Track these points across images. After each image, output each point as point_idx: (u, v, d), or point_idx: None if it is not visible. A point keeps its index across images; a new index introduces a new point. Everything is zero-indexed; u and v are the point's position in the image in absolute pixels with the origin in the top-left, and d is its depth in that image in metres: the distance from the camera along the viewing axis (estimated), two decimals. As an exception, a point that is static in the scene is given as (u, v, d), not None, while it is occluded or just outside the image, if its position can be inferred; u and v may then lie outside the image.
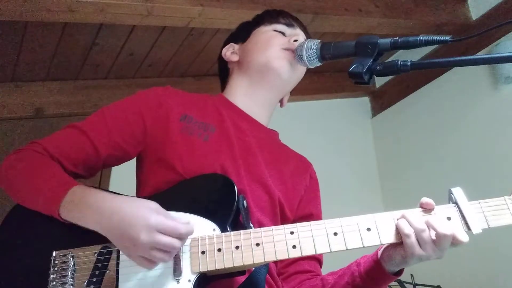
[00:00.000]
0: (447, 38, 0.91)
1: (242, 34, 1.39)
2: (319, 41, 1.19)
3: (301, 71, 1.33)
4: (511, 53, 0.87)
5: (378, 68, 0.97)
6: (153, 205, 0.95)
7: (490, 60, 0.98)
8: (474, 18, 3.05)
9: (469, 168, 2.85)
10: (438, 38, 0.92)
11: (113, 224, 0.93)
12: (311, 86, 3.42)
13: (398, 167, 3.45)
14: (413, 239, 0.93)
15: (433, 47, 3.05)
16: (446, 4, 3.01)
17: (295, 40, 1.27)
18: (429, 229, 0.94)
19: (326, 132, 3.48)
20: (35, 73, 2.65)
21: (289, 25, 1.34)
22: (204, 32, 2.64)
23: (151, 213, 0.92)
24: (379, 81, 3.74)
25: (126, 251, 0.94)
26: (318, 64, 1.19)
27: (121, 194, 1.07)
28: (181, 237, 0.93)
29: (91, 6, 2.07)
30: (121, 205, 0.95)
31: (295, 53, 1.22)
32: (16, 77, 2.63)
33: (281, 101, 1.40)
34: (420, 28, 2.96)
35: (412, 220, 0.94)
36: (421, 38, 0.94)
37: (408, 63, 0.94)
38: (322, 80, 3.46)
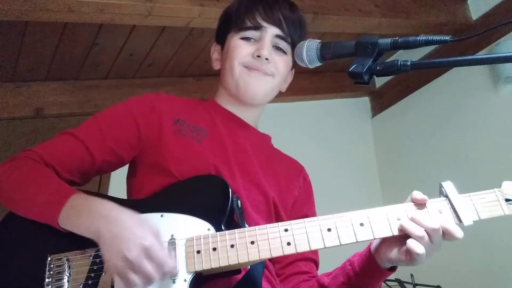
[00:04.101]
0: (447, 38, 0.91)
1: (220, 34, 1.36)
2: (319, 41, 1.19)
3: (281, 73, 1.29)
4: (511, 53, 0.87)
5: (378, 68, 0.97)
6: (154, 229, 0.93)
7: (490, 60, 0.98)
8: (474, 18, 3.05)
9: (469, 168, 2.85)
10: (438, 38, 0.92)
11: (111, 232, 0.91)
12: (311, 86, 3.42)
13: (398, 167, 3.45)
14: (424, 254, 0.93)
15: (433, 47, 3.05)
16: (446, 4, 3.01)
17: (258, 56, 1.23)
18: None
19: (326, 132, 3.48)
20: (35, 73, 2.65)
21: (256, 28, 1.26)
22: (204, 32, 2.64)
23: (150, 235, 0.91)
24: (379, 81, 3.74)
25: (108, 263, 0.90)
26: (318, 64, 1.19)
27: (122, 199, 1.07)
28: (163, 272, 0.90)
29: (91, 6, 2.07)
30: (125, 218, 0.93)
31: (295, 54, 1.22)
32: (16, 77, 2.63)
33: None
34: (420, 28, 2.96)
35: (414, 228, 0.94)
36: (421, 38, 0.93)
37: (408, 63, 0.94)
38: (322, 80, 3.46)
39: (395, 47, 0.98)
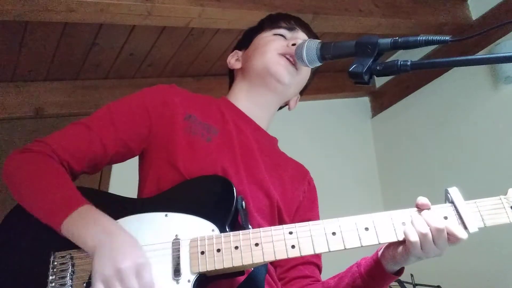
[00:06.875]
0: (447, 38, 0.91)
1: (245, 41, 1.41)
2: (319, 41, 1.19)
3: (303, 75, 1.34)
4: (511, 53, 0.87)
5: (378, 68, 0.97)
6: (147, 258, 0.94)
7: (490, 60, 0.98)
8: (474, 18, 3.05)
9: (469, 168, 2.85)
10: (438, 38, 0.92)
11: (111, 244, 0.91)
12: (311, 86, 3.39)
13: (398, 167, 3.45)
14: (417, 244, 0.95)
15: (433, 47, 3.05)
16: (446, 4, 3.01)
17: (293, 44, 1.27)
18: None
19: (326, 132, 3.48)
20: (35, 73, 2.65)
21: (290, 28, 1.35)
22: (204, 32, 2.64)
23: (145, 257, 0.92)
24: (379, 81, 3.74)
25: (96, 272, 0.89)
26: (318, 64, 1.19)
27: (125, 198, 1.08)
28: None
29: (91, 6, 2.07)
30: (127, 237, 0.94)
31: (295, 54, 1.22)
32: (16, 77, 2.63)
33: (288, 104, 1.41)
34: (420, 28, 2.96)
35: (418, 225, 0.96)
36: (421, 38, 0.93)
37: (408, 63, 0.94)
38: (322, 80, 3.46)
39: (395, 47, 0.98)
